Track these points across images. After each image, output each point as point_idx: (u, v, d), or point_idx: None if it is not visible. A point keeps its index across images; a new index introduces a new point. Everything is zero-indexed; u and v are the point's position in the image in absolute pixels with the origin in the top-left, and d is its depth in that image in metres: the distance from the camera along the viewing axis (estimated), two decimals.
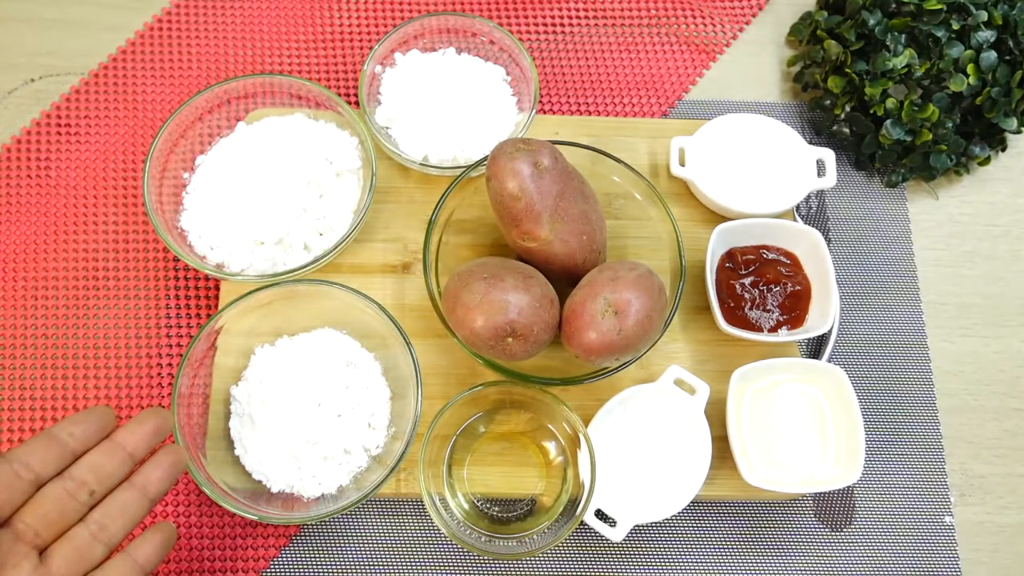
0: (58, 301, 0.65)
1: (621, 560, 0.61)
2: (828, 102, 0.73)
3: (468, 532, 0.57)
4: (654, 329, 0.55)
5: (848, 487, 0.64)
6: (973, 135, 0.71)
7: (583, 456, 0.57)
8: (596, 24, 0.78)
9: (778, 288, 0.64)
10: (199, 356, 0.59)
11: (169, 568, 0.59)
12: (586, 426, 0.58)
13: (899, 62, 0.68)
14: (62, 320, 0.65)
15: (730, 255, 0.66)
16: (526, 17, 0.78)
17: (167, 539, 0.47)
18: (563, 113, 0.74)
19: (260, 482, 0.58)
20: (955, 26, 0.67)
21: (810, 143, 0.71)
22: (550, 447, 0.61)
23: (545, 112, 0.74)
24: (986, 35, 0.67)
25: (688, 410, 0.60)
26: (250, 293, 0.59)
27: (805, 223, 0.70)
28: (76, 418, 0.44)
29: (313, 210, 0.64)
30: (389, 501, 0.61)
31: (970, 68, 0.67)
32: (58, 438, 0.43)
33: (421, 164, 0.66)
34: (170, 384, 0.64)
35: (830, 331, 0.66)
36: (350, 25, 0.76)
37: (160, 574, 0.59)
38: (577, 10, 0.78)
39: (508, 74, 0.70)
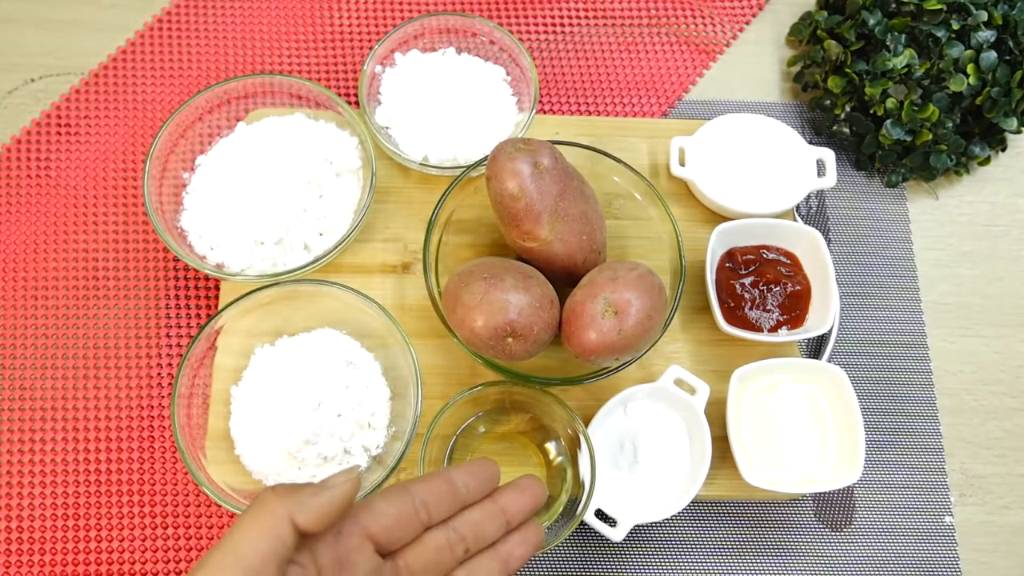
0: (58, 301, 0.65)
1: (621, 560, 0.61)
2: (828, 102, 0.73)
3: None
4: (654, 329, 0.55)
5: (848, 487, 0.64)
6: (973, 135, 0.71)
7: (583, 456, 0.57)
8: (596, 24, 0.78)
9: (778, 288, 0.64)
10: (199, 356, 0.59)
11: (169, 568, 0.59)
12: (586, 426, 0.58)
13: (899, 62, 0.68)
14: (62, 320, 0.65)
15: (730, 255, 0.66)
16: (526, 17, 0.78)
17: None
18: (563, 113, 0.74)
19: (260, 482, 0.58)
20: (955, 26, 0.67)
21: (810, 143, 0.71)
22: (550, 447, 0.61)
23: (545, 112, 0.74)
24: (986, 35, 0.67)
25: (688, 410, 0.60)
26: (250, 293, 0.59)
27: (805, 223, 0.70)
28: (472, 469, 0.44)
29: (313, 210, 0.64)
30: None
31: (970, 68, 0.67)
32: (455, 485, 0.43)
33: (421, 164, 0.66)
34: (170, 384, 0.64)
35: (830, 331, 0.66)
36: (350, 25, 0.76)
37: (160, 574, 0.59)
38: (577, 10, 0.78)
39: (508, 74, 0.70)
